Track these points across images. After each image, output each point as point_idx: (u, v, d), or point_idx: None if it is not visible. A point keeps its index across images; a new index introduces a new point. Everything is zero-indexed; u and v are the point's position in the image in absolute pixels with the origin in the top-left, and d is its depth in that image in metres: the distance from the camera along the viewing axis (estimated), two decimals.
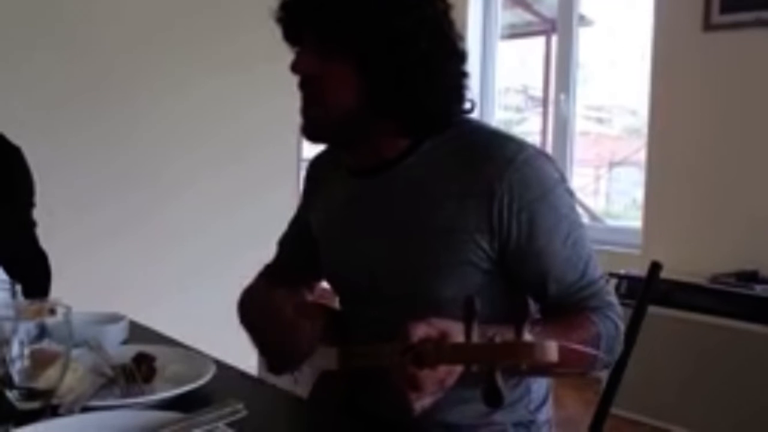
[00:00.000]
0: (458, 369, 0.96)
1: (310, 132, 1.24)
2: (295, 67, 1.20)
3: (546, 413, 1.32)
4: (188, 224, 3.13)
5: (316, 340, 1.22)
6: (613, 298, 1.22)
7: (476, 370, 0.87)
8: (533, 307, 1.26)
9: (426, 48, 1.15)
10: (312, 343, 1.22)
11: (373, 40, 1.14)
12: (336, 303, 1.41)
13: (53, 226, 2.79)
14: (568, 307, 1.18)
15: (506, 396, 0.84)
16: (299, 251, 1.47)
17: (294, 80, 1.22)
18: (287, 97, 1.23)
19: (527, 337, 0.83)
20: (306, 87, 1.20)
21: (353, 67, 1.16)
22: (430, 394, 0.96)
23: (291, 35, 1.22)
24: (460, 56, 1.21)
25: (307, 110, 1.22)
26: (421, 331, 0.95)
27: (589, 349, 0.86)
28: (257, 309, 1.33)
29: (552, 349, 0.83)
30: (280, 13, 1.21)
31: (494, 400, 0.83)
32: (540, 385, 1.31)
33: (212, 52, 3.13)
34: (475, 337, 0.86)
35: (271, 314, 1.27)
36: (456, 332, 0.92)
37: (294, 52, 1.22)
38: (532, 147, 1.20)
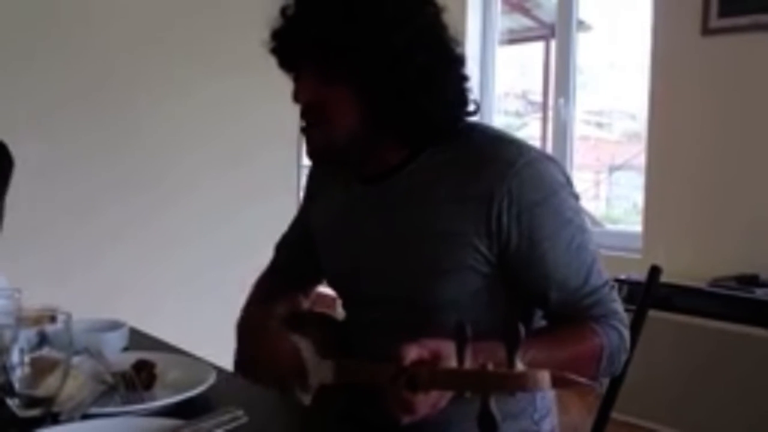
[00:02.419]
0: (450, 392, 0.96)
1: (317, 156, 1.24)
2: (296, 97, 1.20)
3: (550, 423, 1.32)
4: (189, 229, 3.13)
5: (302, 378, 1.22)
6: (618, 306, 1.20)
7: (469, 396, 0.87)
8: (537, 314, 1.26)
9: (423, 61, 1.14)
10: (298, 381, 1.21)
11: (369, 61, 1.13)
12: (337, 309, 1.41)
13: (54, 232, 2.80)
14: (571, 314, 1.17)
15: (500, 421, 0.83)
16: (298, 255, 1.47)
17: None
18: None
19: (519, 365, 0.83)
20: (309, 114, 1.20)
21: (354, 89, 1.16)
22: (423, 416, 0.97)
23: (287, 64, 1.22)
24: (459, 61, 1.21)
25: (311, 135, 1.21)
26: (413, 353, 0.95)
27: (582, 379, 0.86)
28: (253, 337, 1.34)
29: (545, 380, 0.82)
30: (273, 44, 1.20)
31: (488, 425, 0.83)
32: (544, 397, 1.31)
33: (212, 56, 3.13)
34: (468, 363, 0.86)
35: (263, 348, 1.28)
36: (448, 353, 0.92)
37: (291, 78, 1.22)
38: (536, 150, 1.19)
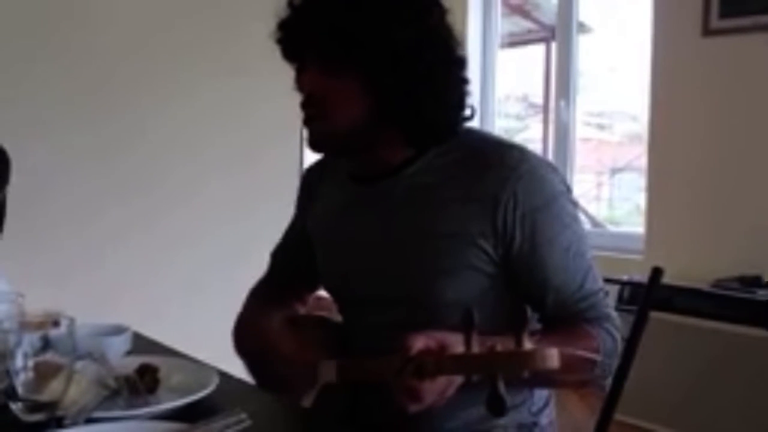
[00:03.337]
0: (458, 379, 0.96)
1: (318, 145, 1.25)
2: (300, 87, 1.20)
3: (548, 416, 1.33)
4: (192, 231, 3.13)
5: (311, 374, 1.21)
6: (612, 311, 1.22)
7: (477, 380, 0.87)
8: (532, 316, 1.27)
9: (429, 59, 1.16)
10: (308, 377, 1.21)
11: (376, 55, 1.14)
12: (334, 313, 1.41)
13: (56, 235, 2.80)
14: (566, 317, 1.19)
15: (509, 403, 0.84)
16: (294, 262, 1.47)
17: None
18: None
19: (527, 344, 0.83)
20: (311, 104, 1.20)
21: (358, 82, 1.16)
22: (431, 405, 0.97)
23: (292, 54, 1.22)
24: (461, 63, 1.22)
25: (313, 125, 1.22)
26: (420, 343, 0.96)
27: (589, 354, 0.87)
28: (252, 341, 1.33)
29: (553, 357, 0.83)
30: (279, 34, 1.21)
31: (497, 407, 0.83)
32: (541, 389, 1.32)
33: (214, 57, 3.13)
34: (475, 348, 0.86)
35: (265, 346, 1.26)
36: (454, 343, 0.93)
37: (294, 68, 1.22)
38: (537, 157, 1.22)
